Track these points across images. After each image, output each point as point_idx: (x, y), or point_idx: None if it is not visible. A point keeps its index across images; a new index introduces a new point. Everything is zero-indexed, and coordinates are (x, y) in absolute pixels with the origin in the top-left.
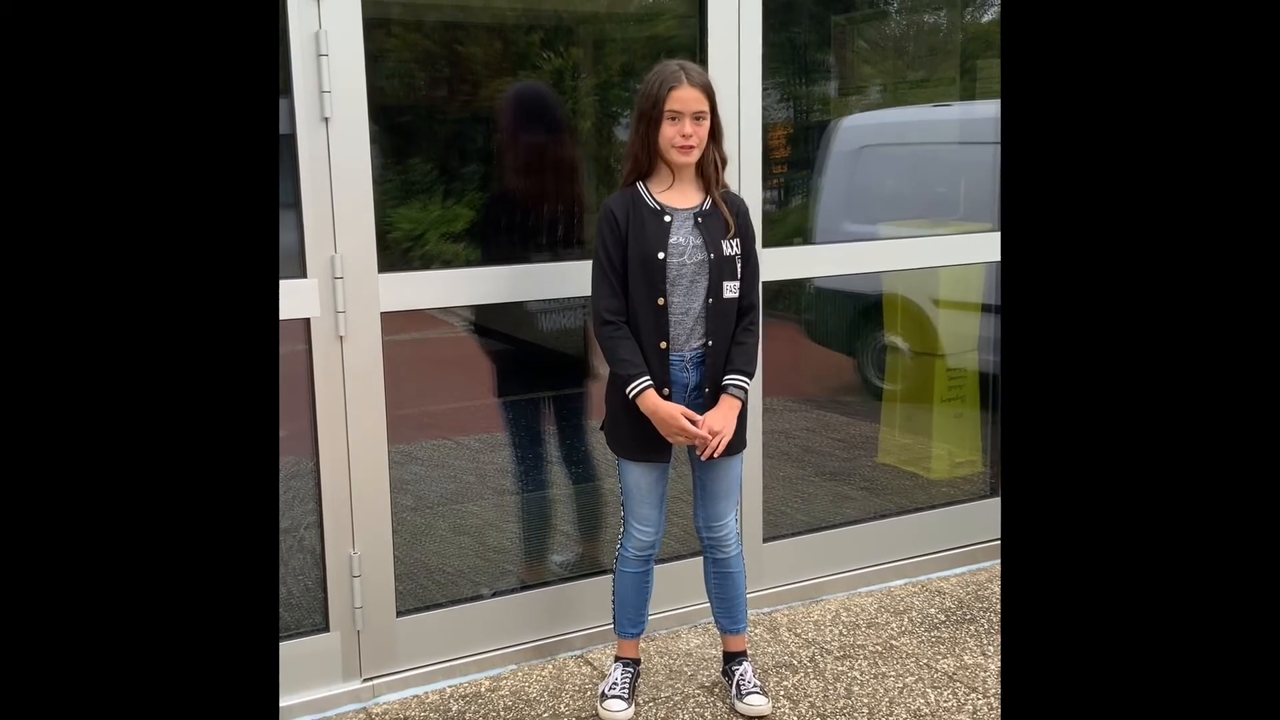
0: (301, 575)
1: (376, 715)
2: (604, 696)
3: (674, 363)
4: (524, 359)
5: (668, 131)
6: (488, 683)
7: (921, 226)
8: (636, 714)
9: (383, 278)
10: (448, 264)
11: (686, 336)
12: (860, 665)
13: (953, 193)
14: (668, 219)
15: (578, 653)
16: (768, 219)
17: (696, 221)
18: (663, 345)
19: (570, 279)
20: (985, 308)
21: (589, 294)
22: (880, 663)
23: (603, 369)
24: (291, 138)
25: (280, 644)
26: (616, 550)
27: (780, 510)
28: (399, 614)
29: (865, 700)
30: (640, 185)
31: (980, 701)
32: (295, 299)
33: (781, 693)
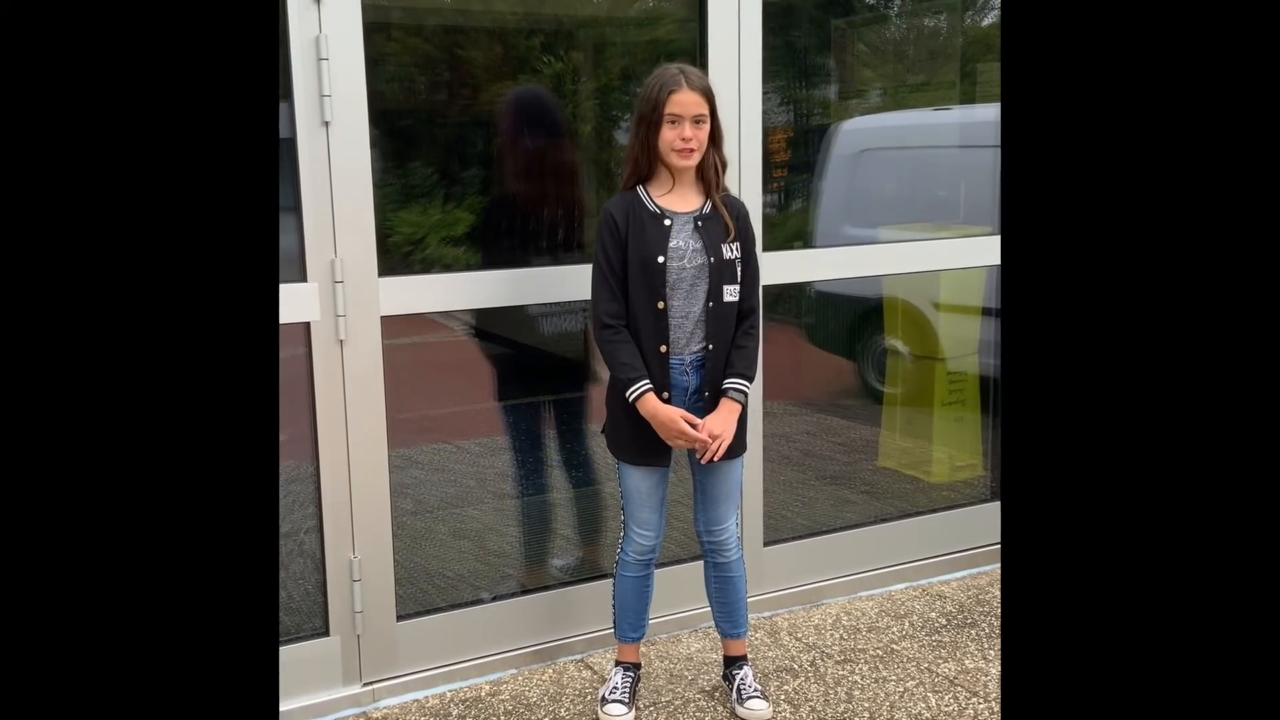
0: (301, 579)
1: (376, 719)
2: (604, 701)
3: (674, 366)
4: (524, 363)
5: (667, 135)
6: (488, 687)
7: (922, 230)
8: (637, 718)
9: (383, 282)
10: (448, 268)
11: (686, 340)
12: (861, 669)
13: (953, 196)
14: (668, 223)
15: (578, 657)
16: (768, 223)
17: (696, 225)
18: (663, 349)
19: (570, 283)
20: (985, 311)
21: (589, 298)
22: (881, 667)
23: (603, 373)
24: (292, 141)
25: (280, 648)
26: (617, 554)
27: (781, 514)
28: (399, 618)
29: (866, 705)
30: (640, 189)
31: (981, 706)
32: (295, 303)
33: (782, 697)
